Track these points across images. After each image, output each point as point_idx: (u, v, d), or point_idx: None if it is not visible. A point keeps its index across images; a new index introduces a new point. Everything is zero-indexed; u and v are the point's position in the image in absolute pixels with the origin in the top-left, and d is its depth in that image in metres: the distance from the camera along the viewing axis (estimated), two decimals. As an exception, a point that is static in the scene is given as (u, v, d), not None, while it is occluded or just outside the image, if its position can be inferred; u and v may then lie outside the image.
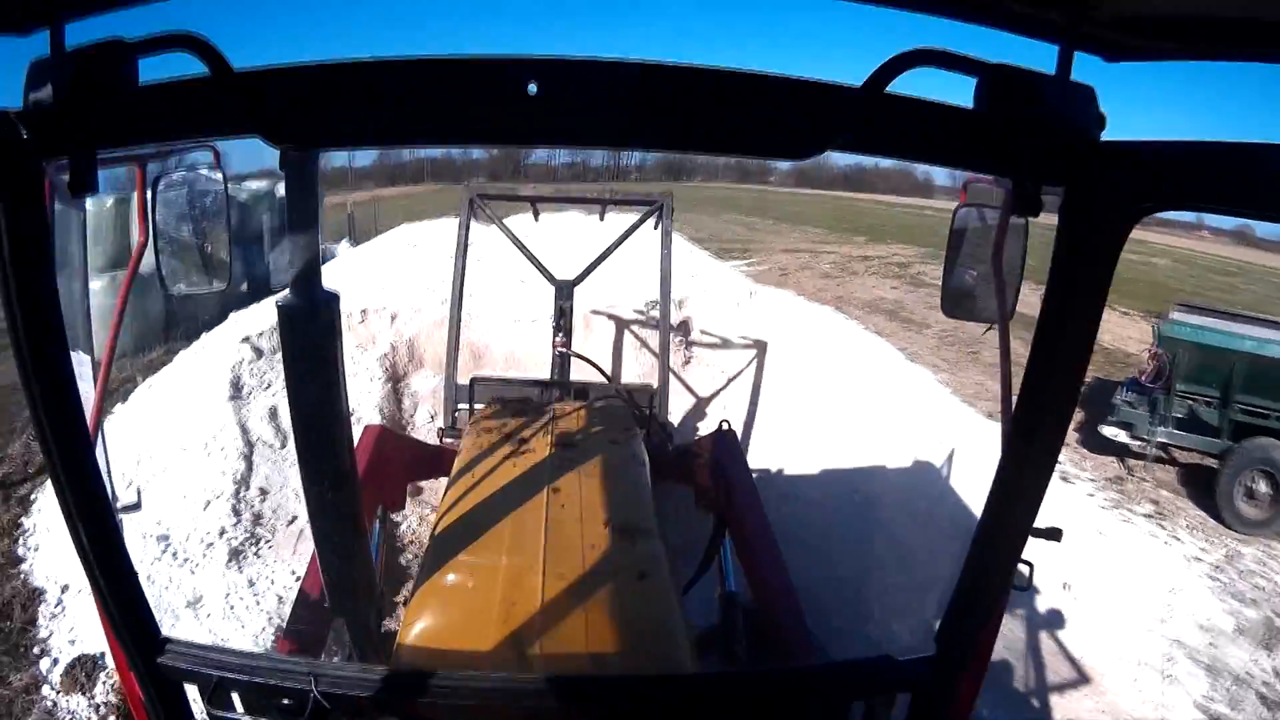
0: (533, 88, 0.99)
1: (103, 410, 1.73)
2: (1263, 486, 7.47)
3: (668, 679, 1.79)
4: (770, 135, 1.09)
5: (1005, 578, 1.43)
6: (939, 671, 1.49)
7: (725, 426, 3.96)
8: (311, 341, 1.56)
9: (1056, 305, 1.18)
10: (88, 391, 1.50)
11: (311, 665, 1.80)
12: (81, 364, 1.53)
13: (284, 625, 2.31)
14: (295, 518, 5.57)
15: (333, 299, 1.58)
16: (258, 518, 5.45)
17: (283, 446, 6.08)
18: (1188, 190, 1.07)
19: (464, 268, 4.58)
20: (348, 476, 1.75)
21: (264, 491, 5.64)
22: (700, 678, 1.99)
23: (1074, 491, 7.63)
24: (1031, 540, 1.45)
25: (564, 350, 4.38)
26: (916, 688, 1.53)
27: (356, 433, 3.17)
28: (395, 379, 7.28)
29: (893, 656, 1.54)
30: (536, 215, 4.99)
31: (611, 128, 1.08)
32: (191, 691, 1.50)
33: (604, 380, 4.44)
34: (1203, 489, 8.08)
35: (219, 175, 1.84)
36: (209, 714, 1.51)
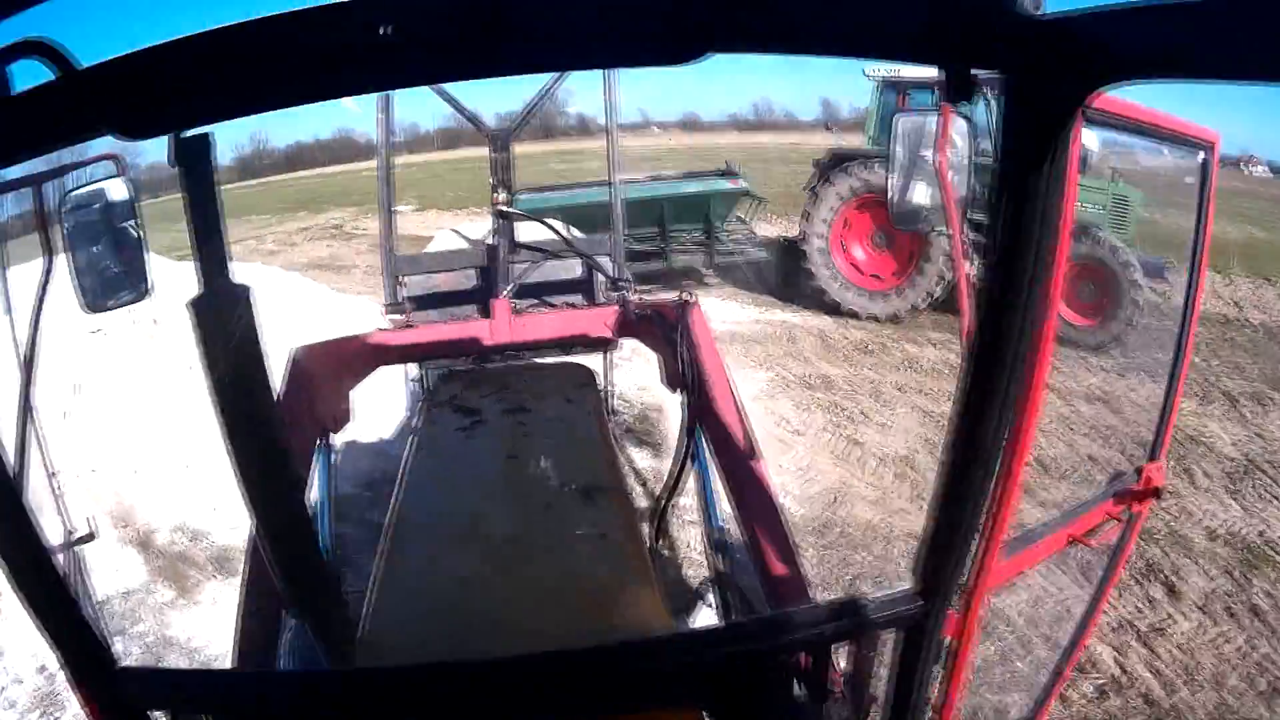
0: (385, 29, 0.93)
1: (26, 441, 1.73)
2: None
3: (640, 643, 1.72)
4: (643, 43, 1.00)
5: (979, 503, 1.34)
6: (922, 607, 1.44)
7: (688, 297, 3.62)
8: (231, 337, 1.45)
9: (1006, 203, 1.07)
10: (7, 421, 1.49)
11: (276, 677, 1.78)
12: None
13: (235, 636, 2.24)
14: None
15: (246, 290, 1.49)
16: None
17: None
18: (1138, 60, 0.94)
19: (390, 125, 4.23)
20: (289, 472, 1.68)
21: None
22: (674, 638, 1.95)
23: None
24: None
25: (503, 208, 3.96)
26: (901, 625, 1.48)
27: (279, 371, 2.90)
28: None
29: (867, 596, 1.49)
30: None
31: (470, 58, 1.01)
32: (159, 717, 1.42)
33: (552, 238, 4.14)
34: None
35: (125, 183, 1.75)
36: None
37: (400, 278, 4.15)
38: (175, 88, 0.96)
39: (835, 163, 10.81)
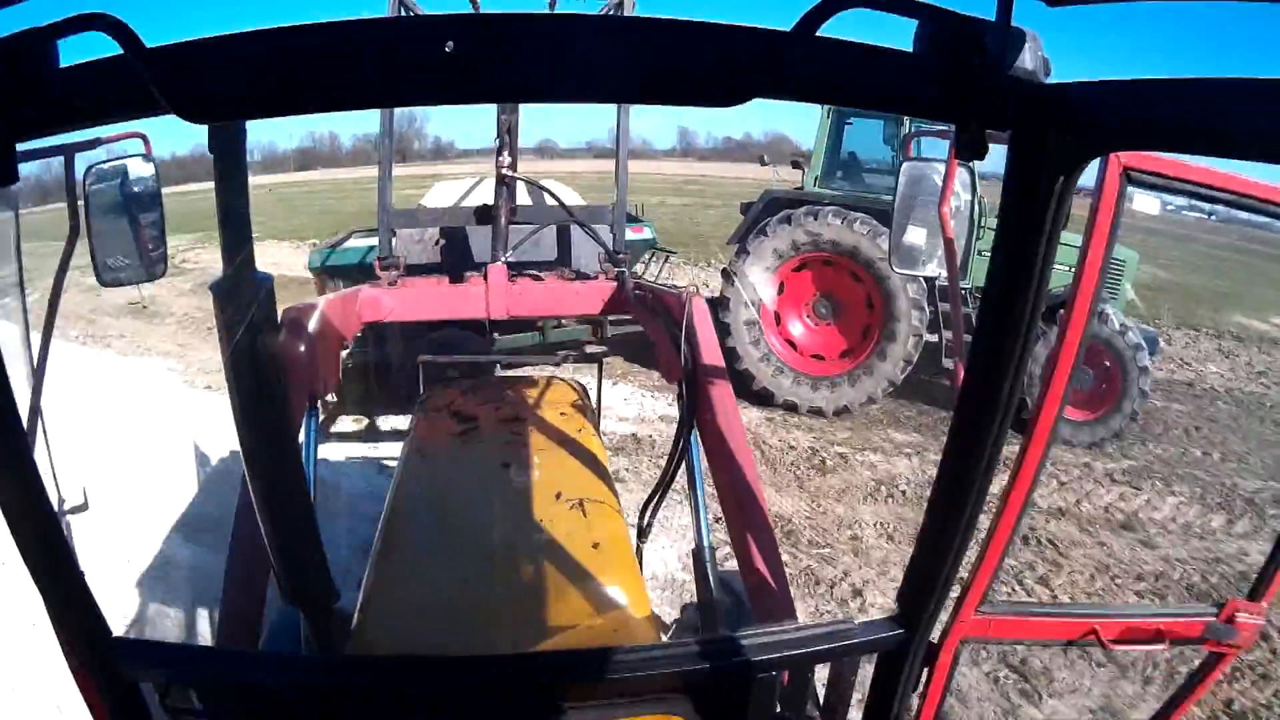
0: (451, 45, 0.96)
1: (39, 405, 1.76)
2: None
3: (626, 650, 1.69)
4: (695, 82, 1.04)
5: (965, 536, 1.43)
6: (902, 635, 1.55)
7: (695, 290, 3.35)
8: (249, 324, 1.45)
9: (1005, 253, 1.20)
10: (21, 386, 1.48)
11: (270, 658, 1.89)
12: (13, 358, 1.53)
13: (220, 614, 2.06)
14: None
15: (267, 280, 1.48)
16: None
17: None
18: (1131, 131, 1.09)
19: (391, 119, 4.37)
20: (294, 461, 1.73)
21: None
22: (659, 648, 1.93)
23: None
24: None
25: (508, 174, 4.03)
26: (880, 649, 1.59)
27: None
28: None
29: (850, 620, 1.60)
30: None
31: (530, 82, 1.04)
32: (148, 689, 1.44)
33: (553, 204, 4.34)
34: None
35: (150, 163, 1.91)
36: (165, 710, 1.43)
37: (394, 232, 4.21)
38: (246, 79, 1.01)
39: (772, 209, 8.49)
